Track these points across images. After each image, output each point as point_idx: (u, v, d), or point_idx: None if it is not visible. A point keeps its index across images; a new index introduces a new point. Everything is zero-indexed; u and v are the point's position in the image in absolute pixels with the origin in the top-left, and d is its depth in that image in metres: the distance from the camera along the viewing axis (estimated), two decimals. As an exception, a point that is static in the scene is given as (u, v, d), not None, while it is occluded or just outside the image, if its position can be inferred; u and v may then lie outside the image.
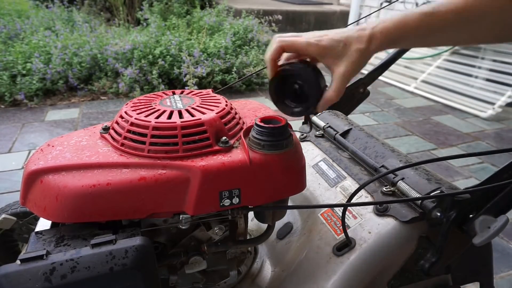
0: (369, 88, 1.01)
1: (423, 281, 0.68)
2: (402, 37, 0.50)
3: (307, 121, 0.59)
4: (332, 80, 0.53)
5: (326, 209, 0.74)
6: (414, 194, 0.62)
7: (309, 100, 0.54)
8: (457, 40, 0.56)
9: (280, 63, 0.55)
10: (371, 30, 0.50)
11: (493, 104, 2.95)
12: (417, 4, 4.04)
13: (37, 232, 0.52)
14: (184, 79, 2.93)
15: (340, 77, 0.51)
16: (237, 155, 0.55)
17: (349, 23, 4.87)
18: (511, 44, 3.13)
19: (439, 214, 0.58)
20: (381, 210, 0.66)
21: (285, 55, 0.55)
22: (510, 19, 0.47)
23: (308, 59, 0.55)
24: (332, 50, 0.51)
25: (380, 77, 1.02)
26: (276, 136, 0.55)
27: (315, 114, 0.54)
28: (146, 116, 0.56)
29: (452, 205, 0.57)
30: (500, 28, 0.49)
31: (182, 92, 0.68)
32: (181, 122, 0.55)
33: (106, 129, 0.61)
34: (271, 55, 0.53)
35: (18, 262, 0.43)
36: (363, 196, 0.70)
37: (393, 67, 1.87)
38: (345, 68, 0.51)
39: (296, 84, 0.55)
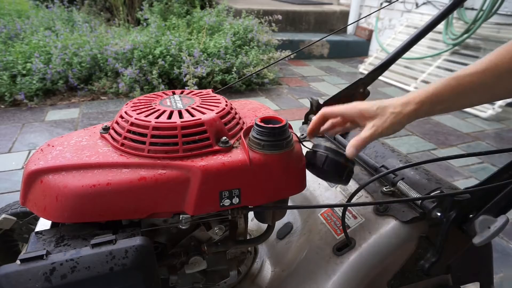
0: (369, 88, 1.01)
1: (423, 281, 0.68)
2: (436, 107, 0.56)
3: (307, 121, 0.60)
4: (362, 130, 0.58)
5: (326, 209, 0.74)
6: (414, 194, 0.62)
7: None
8: (481, 101, 0.59)
9: (324, 127, 0.67)
10: (408, 98, 0.56)
11: (493, 104, 2.95)
12: (417, 4, 4.04)
13: (37, 232, 0.52)
14: (184, 79, 2.93)
15: (369, 128, 0.57)
16: (237, 155, 0.55)
17: (349, 23, 4.87)
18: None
19: (439, 214, 0.58)
20: (381, 210, 0.66)
21: (329, 122, 0.67)
22: None
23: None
24: (367, 110, 0.58)
25: (380, 77, 1.02)
26: (276, 136, 0.55)
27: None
28: (146, 116, 0.56)
29: (452, 205, 0.57)
30: None
31: (182, 92, 0.68)
32: (181, 122, 0.55)
33: (106, 129, 0.61)
34: (314, 124, 0.65)
35: (18, 262, 0.43)
36: (363, 196, 0.70)
37: (393, 67, 1.87)
38: (374, 123, 0.57)
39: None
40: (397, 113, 0.56)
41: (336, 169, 0.59)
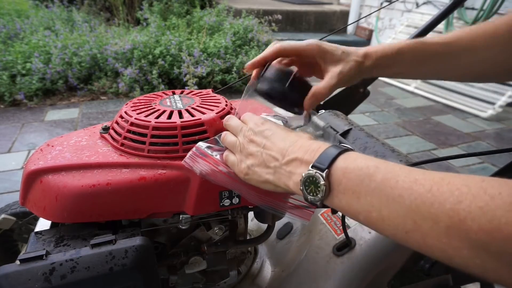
0: (369, 88, 1.01)
1: (423, 281, 0.68)
2: (395, 62, 0.53)
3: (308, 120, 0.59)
4: (325, 77, 0.53)
5: (326, 209, 0.74)
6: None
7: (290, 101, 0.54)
8: (442, 74, 0.59)
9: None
10: (366, 50, 0.53)
11: (493, 104, 2.95)
12: (417, 4, 4.04)
13: (36, 232, 0.52)
14: (184, 79, 2.93)
15: (335, 75, 0.52)
16: (237, 155, 0.55)
17: (349, 23, 4.87)
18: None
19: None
20: (381, 210, 0.65)
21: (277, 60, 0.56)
22: (490, 60, 0.53)
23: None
24: (332, 53, 0.52)
25: (380, 77, 1.02)
26: None
27: (302, 112, 0.55)
28: (146, 116, 0.56)
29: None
30: (480, 67, 0.55)
31: (182, 92, 0.68)
32: (181, 122, 0.55)
33: (106, 129, 0.61)
34: (265, 55, 0.53)
35: (17, 262, 0.43)
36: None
37: (393, 67, 1.88)
38: (341, 69, 0.52)
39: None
40: (360, 62, 0.52)
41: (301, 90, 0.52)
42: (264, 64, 0.54)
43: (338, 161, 0.38)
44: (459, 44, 0.53)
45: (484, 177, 0.29)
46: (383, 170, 0.35)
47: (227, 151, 0.50)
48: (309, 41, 0.53)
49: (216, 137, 0.54)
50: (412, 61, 0.54)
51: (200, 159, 0.51)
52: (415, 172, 0.33)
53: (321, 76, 0.54)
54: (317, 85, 0.53)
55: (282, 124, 0.55)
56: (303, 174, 0.39)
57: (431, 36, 0.54)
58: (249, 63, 0.54)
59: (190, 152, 0.51)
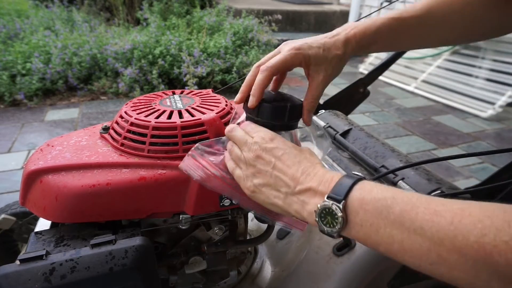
0: (369, 88, 1.01)
1: (423, 281, 0.68)
2: (374, 41, 0.53)
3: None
4: (310, 88, 0.52)
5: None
6: (414, 194, 0.62)
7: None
8: (419, 44, 0.60)
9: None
10: (346, 36, 0.51)
11: (493, 104, 2.95)
12: (417, 4, 4.04)
13: (36, 232, 0.52)
14: (184, 79, 2.93)
15: (320, 82, 0.51)
16: (237, 155, 0.55)
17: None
18: (511, 44, 3.13)
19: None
20: (381, 210, 0.65)
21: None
22: (471, 20, 0.54)
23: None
24: (315, 56, 0.50)
25: (380, 77, 1.02)
26: None
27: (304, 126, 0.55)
28: (146, 116, 0.56)
29: (452, 205, 0.57)
30: (462, 29, 0.56)
31: (182, 92, 0.68)
32: (181, 122, 0.55)
33: (106, 129, 0.61)
34: (259, 86, 0.49)
35: (17, 262, 0.43)
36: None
37: (393, 67, 1.87)
38: (324, 73, 0.51)
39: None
40: (341, 55, 0.51)
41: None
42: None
43: (354, 192, 0.37)
44: (431, 15, 0.54)
45: (504, 206, 0.29)
46: (400, 201, 0.34)
47: (233, 163, 0.48)
48: (291, 51, 0.50)
49: (214, 139, 0.54)
50: (389, 37, 0.54)
51: (195, 163, 0.50)
52: (434, 203, 0.33)
53: (307, 76, 0.53)
54: (306, 98, 0.52)
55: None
56: (319, 205, 0.39)
57: (405, 9, 0.54)
58: (241, 96, 0.52)
59: (185, 157, 0.50)
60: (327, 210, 0.38)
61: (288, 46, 0.51)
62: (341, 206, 0.37)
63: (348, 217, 0.37)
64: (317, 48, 0.50)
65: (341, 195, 0.37)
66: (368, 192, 0.37)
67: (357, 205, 0.37)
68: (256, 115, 0.50)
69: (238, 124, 0.53)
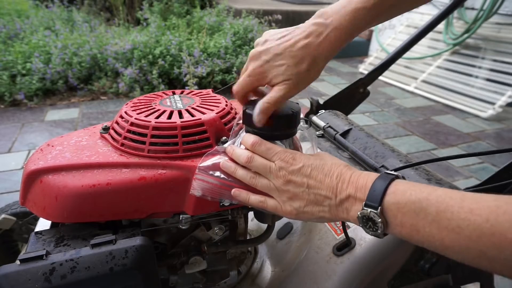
0: (369, 88, 1.01)
1: (423, 281, 0.68)
2: (356, 30, 0.49)
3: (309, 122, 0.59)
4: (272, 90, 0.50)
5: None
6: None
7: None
8: (394, 15, 0.54)
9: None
10: (328, 27, 0.47)
11: (493, 104, 2.95)
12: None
13: (36, 232, 0.52)
14: (184, 79, 2.93)
15: (281, 90, 0.49)
16: (237, 155, 0.55)
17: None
18: (511, 44, 3.13)
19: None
20: (381, 210, 0.65)
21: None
22: None
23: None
24: (277, 75, 0.48)
25: (380, 77, 1.02)
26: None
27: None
28: (146, 116, 0.56)
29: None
30: None
31: (182, 92, 0.68)
32: (181, 122, 0.55)
33: (106, 129, 0.61)
34: (243, 95, 0.51)
35: (17, 262, 0.43)
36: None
37: (393, 67, 1.87)
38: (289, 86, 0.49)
39: None
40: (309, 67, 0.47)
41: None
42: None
43: (388, 197, 0.39)
44: None
45: None
46: (435, 201, 0.36)
47: (263, 195, 0.49)
48: (251, 77, 0.50)
49: (217, 147, 0.54)
50: (367, 21, 0.50)
51: (205, 183, 0.51)
52: (467, 200, 0.34)
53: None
54: (267, 95, 0.50)
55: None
56: (359, 214, 0.41)
57: None
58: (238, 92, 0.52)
59: (193, 182, 0.51)
60: (367, 216, 0.40)
61: (251, 65, 0.50)
62: (378, 212, 0.39)
63: (388, 220, 0.39)
64: (280, 64, 0.47)
65: (376, 202, 0.39)
66: (402, 194, 0.38)
67: (394, 209, 0.39)
68: (269, 129, 0.50)
69: (238, 124, 0.53)
